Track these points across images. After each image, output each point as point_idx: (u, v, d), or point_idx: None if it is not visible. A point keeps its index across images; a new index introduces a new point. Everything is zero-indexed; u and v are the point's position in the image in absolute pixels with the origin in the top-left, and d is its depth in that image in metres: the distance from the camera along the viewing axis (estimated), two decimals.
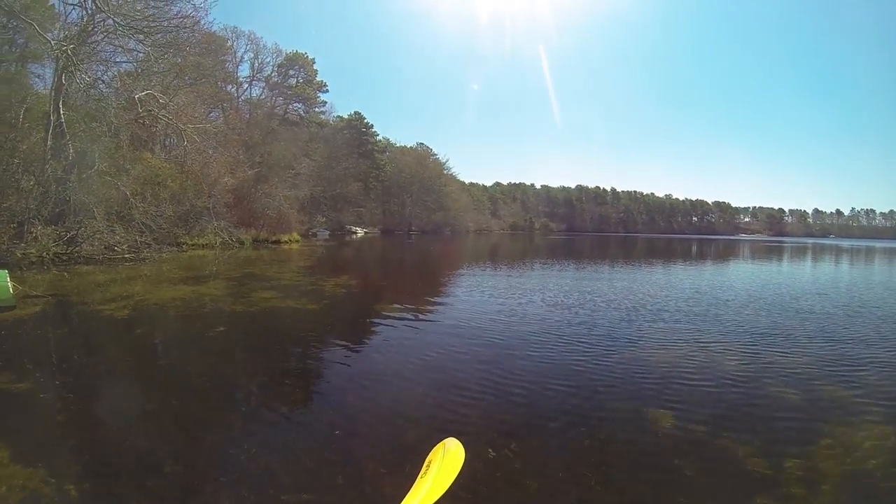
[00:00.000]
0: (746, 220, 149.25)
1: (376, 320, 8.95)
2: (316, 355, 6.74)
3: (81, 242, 14.76)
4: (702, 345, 7.34)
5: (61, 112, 16.22)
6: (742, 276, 19.47)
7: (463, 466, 2.39)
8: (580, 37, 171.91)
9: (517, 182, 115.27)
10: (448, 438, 2.52)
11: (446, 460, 2.38)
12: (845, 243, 73.64)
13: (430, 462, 2.41)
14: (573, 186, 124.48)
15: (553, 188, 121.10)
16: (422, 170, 66.04)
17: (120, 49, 19.96)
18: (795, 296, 12.90)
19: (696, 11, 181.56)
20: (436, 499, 2.09)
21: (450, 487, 2.23)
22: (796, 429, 4.34)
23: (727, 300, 11.71)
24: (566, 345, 7.22)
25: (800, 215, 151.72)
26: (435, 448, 2.49)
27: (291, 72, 49.21)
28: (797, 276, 20.32)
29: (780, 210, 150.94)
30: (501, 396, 5.06)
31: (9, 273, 9.63)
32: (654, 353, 6.82)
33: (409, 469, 3.19)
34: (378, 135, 61.82)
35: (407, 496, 2.15)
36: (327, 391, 5.38)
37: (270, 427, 4.31)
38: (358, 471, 3.53)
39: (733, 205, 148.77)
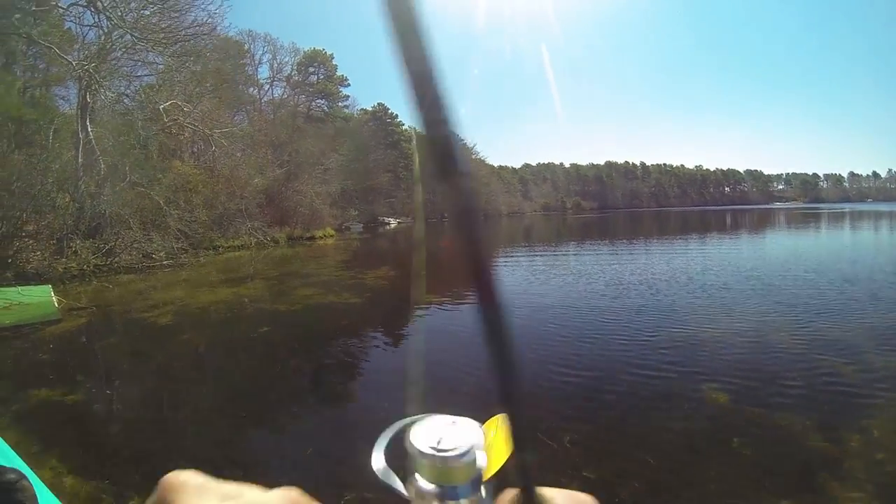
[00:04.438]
0: (780, 187, 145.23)
1: (421, 310, 8.76)
2: (363, 349, 6.66)
3: (120, 253, 14.94)
4: (749, 320, 7.15)
5: (89, 129, 16.45)
6: (781, 247, 19.05)
7: None
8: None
9: (546, 162, 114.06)
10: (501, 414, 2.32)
11: (499, 435, 2.19)
12: (884, 207, 70.74)
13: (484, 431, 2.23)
14: (602, 163, 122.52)
15: (582, 166, 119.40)
16: None
17: (140, 63, 20.16)
18: (838, 266, 12.58)
19: None
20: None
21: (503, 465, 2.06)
22: (854, 403, 4.18)
23: (768, 274, 11.40)
24: (613, 325, 7.11)
25: (835, 180, 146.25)
26: (488, 421, 2.27)
27: (311, 69, 49.32)
28: (837, 244, 19.82)
29: (815, 175, 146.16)
30: (553, 380, 4.95)
31: (52, 288, 9.80)
32: (703, 330, 6.66)
33: None
34: (404, 124, 61.05)
35: None
36: (377, 384, 5.28)
37: (322, 425, 4.29)
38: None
39: (766, 172, 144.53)
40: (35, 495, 1.66)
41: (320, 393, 5.14)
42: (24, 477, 1.66)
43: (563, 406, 4.43)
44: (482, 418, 1.84)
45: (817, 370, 4.97)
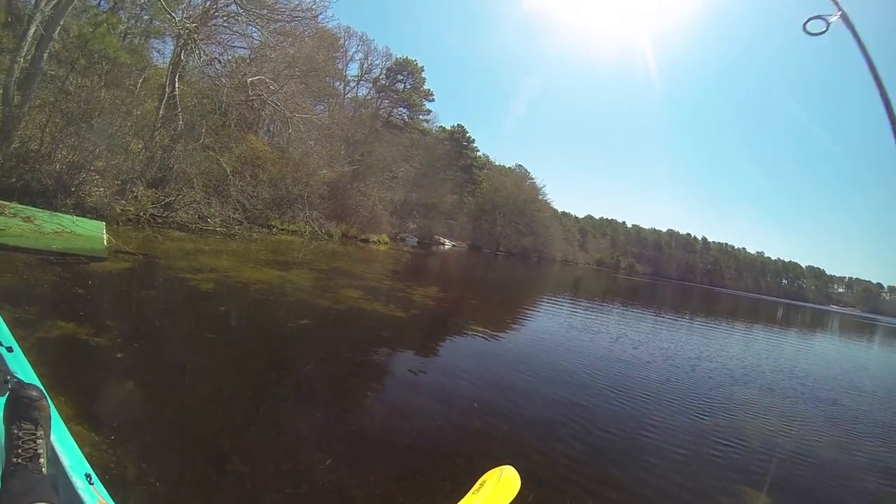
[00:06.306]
0: (840, 290, 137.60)
1: (464, 338, 8.61)
2: (400, 367, 6.31)
3: (178, 209, 14.97)
4: (796, 423, 6.92)
5: (176, 85, 16.67)
6: (834, 354, 18.57)
7: (516, 497, 2.25)
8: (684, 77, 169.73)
9: (609, 218, 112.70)
10: (506, 465, 2.40)
11: (500, 485, 2.28)
12: None
13: (483, 482, 2.32)
14: (664, 230, 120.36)
15: (644, 229, 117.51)
16: (517, 192, 65.11)
17: (238, 34, 20.47)
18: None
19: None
20: None
21: None
22: None
23: (820, 380, 10.94)
24: (650, 397, 6.80)
25: None
26: (491, 471, 2.39)
27: (400, 77, 49.75)
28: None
29: (878, 285, 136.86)
30: (580, 445, 4.69)
31: (106, 226, 9.67)
32: (748, 423, 6.41)
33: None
34: (478, 150, 61.12)
35: None
36: (407, 407, 5.00)
37: (342, 437, 3.98)
38: (429, 490, 3.37)
39: (828, 272, 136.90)
40: (50, 416, 1.68)
41: (347, 403, 4.76)
42: (44, 396, 1.69)
43: (585, 469, 4.22)
44: (489, 466, 2.46)
45: (863, 492, 4.89)
